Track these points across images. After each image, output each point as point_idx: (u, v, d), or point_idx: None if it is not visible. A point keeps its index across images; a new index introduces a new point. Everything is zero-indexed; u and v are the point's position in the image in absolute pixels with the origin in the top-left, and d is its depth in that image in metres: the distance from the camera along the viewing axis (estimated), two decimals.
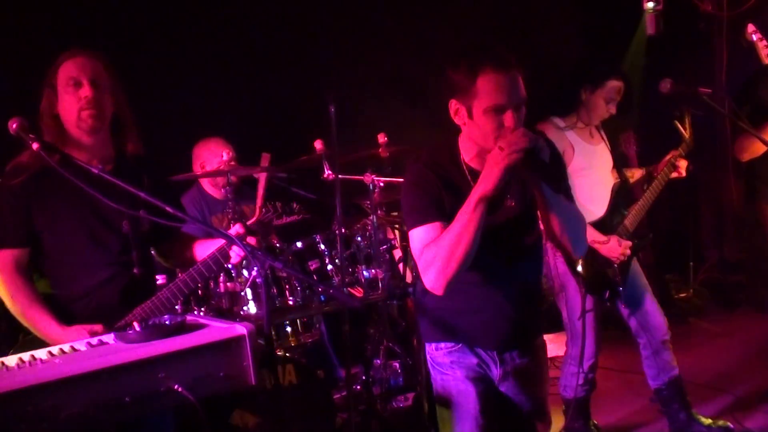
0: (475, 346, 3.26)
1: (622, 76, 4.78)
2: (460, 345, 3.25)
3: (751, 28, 4.99)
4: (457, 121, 3.08)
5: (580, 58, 4.86)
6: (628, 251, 4.75)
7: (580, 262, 4.65)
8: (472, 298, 3.19)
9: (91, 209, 3.38)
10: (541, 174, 2.96)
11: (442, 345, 3.29)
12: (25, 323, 3.33)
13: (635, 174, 5.12)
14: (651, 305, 4.88)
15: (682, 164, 4.97)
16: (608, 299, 4.76)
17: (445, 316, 3.26)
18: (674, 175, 4.97)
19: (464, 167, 3.13)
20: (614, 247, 4.70)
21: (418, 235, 3.07)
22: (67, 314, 3.32)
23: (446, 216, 3.03)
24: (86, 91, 3.35)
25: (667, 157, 4.97)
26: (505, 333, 3.24)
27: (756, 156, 5.24)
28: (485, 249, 3.00)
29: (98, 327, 3.23)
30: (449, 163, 3.14)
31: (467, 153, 3.14)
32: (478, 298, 3.19)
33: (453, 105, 3.05)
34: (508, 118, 2.91)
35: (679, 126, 5.03)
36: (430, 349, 3.35)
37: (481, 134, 3.00)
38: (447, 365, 3.28)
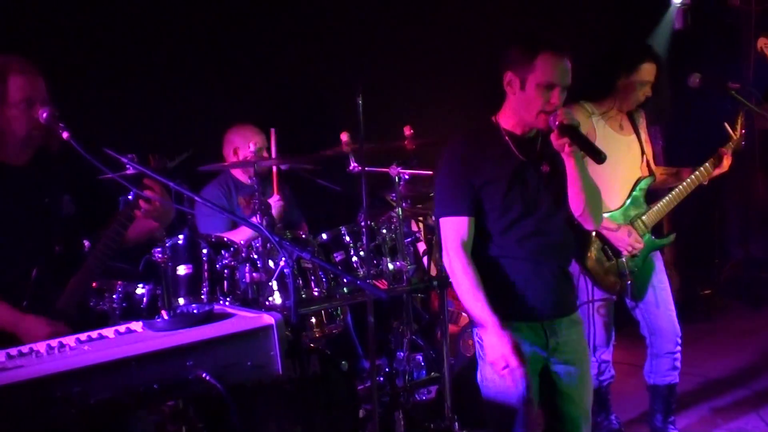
0: (526, 321, 3.43)
1: (654, 58, 4.67)
2: (510, 322, 3.37)
3: (762, 41, 4.95)
4: (508, 90, 3.45)
5: (612, 44, 4.77)
6: (639, 244, 4.61)
7: (590, 254, 4.60)
8: (518, 272, 3.44)
9: (13, 197, 3.41)
10: (584, 147, 3.31)
11: None
12: None
13: (683, 174, 4.91)
14: (663, 309, 4.76)
15: (727, 161, 4.85)
16: (617, 293, 4.70)
17: (494, 295, 3.38)
18: (717, 171, 4.85)
19: (503, 133, 3.48)
20: (623, 237, 4.56)
21: (448, 225, 3.44)
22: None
23: (475, 211, 3.42)
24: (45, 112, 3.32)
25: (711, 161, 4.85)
26: (551, 303, 3.48)
27: None
28: (525, 218, 3.41)
29: (61, 327, 3.21)
30: (490, 135, 3.49)
31: (507, 121, 3.50)
32: (523, 271, 3.44)
33: (508, 76, 3.43)
34: (555, 95, 3.33)
35: (728, 127, 4.93)
36: (480, 331, 3.45)
37: (527, 105, 3.38)
38: None
